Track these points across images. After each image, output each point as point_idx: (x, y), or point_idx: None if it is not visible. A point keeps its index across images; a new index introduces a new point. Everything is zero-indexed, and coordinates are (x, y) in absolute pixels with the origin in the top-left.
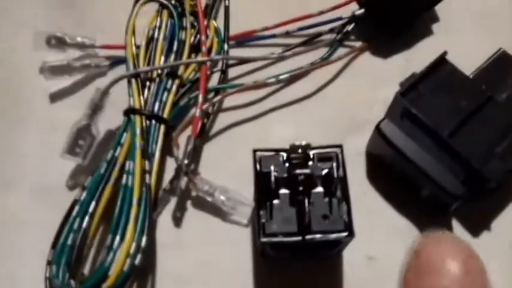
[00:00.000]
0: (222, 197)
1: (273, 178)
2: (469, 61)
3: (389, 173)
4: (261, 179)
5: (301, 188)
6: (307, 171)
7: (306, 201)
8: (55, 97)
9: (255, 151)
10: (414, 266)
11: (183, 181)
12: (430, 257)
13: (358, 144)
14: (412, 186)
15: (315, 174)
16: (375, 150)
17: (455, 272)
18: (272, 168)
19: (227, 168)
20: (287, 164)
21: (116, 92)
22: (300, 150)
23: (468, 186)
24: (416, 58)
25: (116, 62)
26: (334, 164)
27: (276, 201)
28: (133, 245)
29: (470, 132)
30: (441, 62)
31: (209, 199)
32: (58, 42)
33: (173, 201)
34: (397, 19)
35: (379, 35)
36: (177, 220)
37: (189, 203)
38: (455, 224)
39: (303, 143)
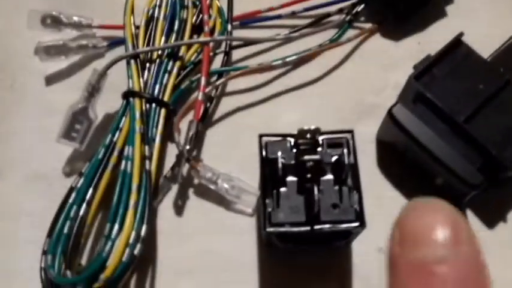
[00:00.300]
0: (226, 185)
1: (280, 165)
2: (485, 43)
3: (401, 160)
4: (267, 165)
5: (309, 176)
6: (316, 157)
7: (315, 189)
8: (51, 79)
9: (261, 136)
10: (399, 238)
11: (185, 168)
12: (415, 226)
13: (368, 130)
14: (425, 174)
15: (324, 160)
16: (386, 137)
17: (444, 241)
18: (279, 154)
19: (231, 154)
20: (295, 150)
21: (114, 74)
22: (308, 136)
23: (485, 175)
24: (429, 40)
25: (114, 42)
26: (345, 150)
27: (283, 189)
28: (133, 234)
29: (487, 117)
30: (457, 44)
31: (212, 187)
32: (54, 22)
33: (174, 189)
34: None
35: (391, 16)
36: (179, 208)
37: (191, 191)
38: (470, 215)
39: (312, 127)
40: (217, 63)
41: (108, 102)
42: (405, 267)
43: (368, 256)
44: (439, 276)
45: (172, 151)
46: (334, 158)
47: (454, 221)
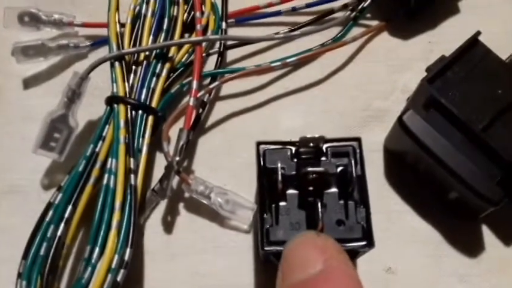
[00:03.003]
0: (220, 199)
1: (279, 176)
2: (502, 42)
3: (412, 172)
4: (266, 176)
5: (312, 188)
6: (319, 169)
7: (318, 203)
8: (28, 83)
9: (258, 144)
10: (281, 271)
11: (175, 181)
12: (290, 258)
13: (375, 138)
14: (439, 188)
15: (328, 172)
16: (396, 146)
17: (314, 263)
18: (279, 164)
19: (225, 165)
20: (296, 160)
21: (97, 77)
22: (311, 144)
23: (505, 189)
24: (440, 39)
25: (98, 42)
26: (352, 161)
27: (282, 204)
28: (116, 258)
29: (507, 125)
30: (473, 44)
31: (204, 201)
32: (32, 20)
33: (163, 204)
34: None
35: (399, 12)
36: (168, 225)
37: (181, 206)
38: (485, 231)
39: (316, 135)
40: (210, 65)
41: (90, 108)
42: None
43: (374, 276)
44: None
45: (160, 161)
46: (339, 169)
47: (322, 247)
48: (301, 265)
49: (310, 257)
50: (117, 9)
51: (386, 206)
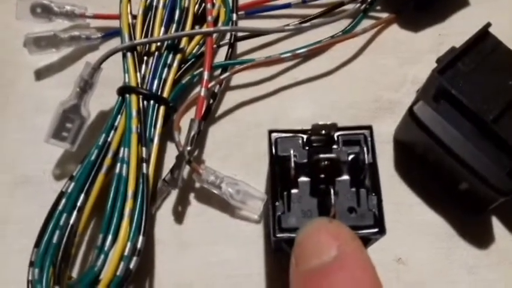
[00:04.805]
0: (230, 189)
1: (292, 163)
2: (511, 37)
3: (422, 163)
4: (278, 164)
5: (323, 176)
6: (331, 155)
7: (331, 191)
8: (41, 74)
9: (270, 132)
10: (295, 257)
11: (186, 170)
12: (304, 244)
13: (385, 129)
14: (448, 178)
15: (340, 159)
16: (406, 137)
17: (328, 251)
18: (291, 152)
19: (236, 155)
20: (308, 148)
21: (109, 67)
22: (323, 132)
23: None
24: (450, 32)
25: (110, 33)
26: (364, 148)
27: (294, 191)
28: (128, 246)
29: None
30: (484, 36)
31: (215, 191)
32: (44, 11)
33: (174, 194)
34: None
35: (409, 5)
36: (179, 215)
37: (192, 196)
38: (495, 223)
39: (328, 123)
40: (221, 56)
41: (102, 98)
42: (301, 280)
43: (385, 267)
44: (328, 279)
45: (171, 151)
46: (350, 157)
47: (335, 233)
48: (316, 252)
49: (323, 243)
50: (129, 0)
51: (396, 197)
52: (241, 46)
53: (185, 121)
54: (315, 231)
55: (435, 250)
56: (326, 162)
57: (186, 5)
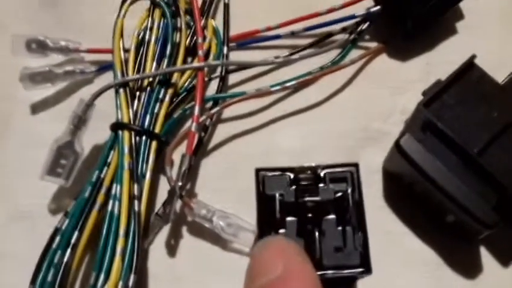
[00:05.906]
0: (222, 223)
1: (278, 204)
2: (498, 63)
3: (409, 194)
4: (265, 203)
5: (310, 215)
6: (316, 198)
7: (316, 231)
8: (36, 108)
9: (258, 171)
10: (246, 275)
11: (178, 205)
12: (256, 262)
13: (374, 159)
14: (436, 210)
15: (326, 200)
16: (393, 168)
17: (275, 271)
18: (277, 192)
19: (227, 188)
20: (294, 187)
21: (104, 101)
22: (309, 172)
23: (501, 212)
24: (438, 60)
25: (104, 67)
26: (349, 187)
27: (281, 231)
28: (120, 285)
29: (503, 149)
30: (469, 67)
31: (207, 225)
32: (39, 47)
33: (166, 228)
34: (418, 17)
35: (397, 35)
36: (171, 249)
37: (184, 230)
38: (484, 253)
39: (313, 164)
40: (212, 89)
41: (96, 131)
42: None
43: None
44: None
45: (164, 185)
46: (337, 195)
47: (282, 250)
48: (263, 269)
49: (270, 261)
50: (121, 36)
51: (385, 227)
52: (232, 78)
53: (177, 155)
54: (262, 249)
55: (424, 280)
56: (312, 204)
57: (178, 39)
